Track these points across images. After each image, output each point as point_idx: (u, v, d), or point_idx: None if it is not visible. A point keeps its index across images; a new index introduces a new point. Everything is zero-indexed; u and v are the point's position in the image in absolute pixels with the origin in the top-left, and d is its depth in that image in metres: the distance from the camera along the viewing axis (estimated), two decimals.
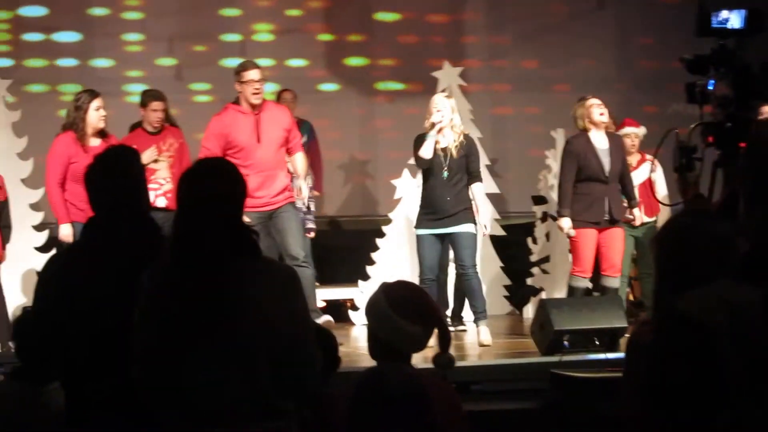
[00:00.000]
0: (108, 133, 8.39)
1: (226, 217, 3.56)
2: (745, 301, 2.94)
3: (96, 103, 8.25)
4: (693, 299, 2.97)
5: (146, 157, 8.45)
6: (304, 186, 8.60)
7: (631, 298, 10.34)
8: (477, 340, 8.51)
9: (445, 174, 8.51)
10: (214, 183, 3.60)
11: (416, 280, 8.60)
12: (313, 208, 10.37)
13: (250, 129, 8.26)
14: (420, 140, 8.54)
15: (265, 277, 3.55)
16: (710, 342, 2.88)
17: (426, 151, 8.45)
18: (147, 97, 9.16)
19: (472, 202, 8.64)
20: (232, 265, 3.51)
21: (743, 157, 4.07)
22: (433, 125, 8.46)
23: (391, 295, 3.69)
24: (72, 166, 8.15)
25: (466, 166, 8.58)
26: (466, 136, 8.68)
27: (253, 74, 8.23)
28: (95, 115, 8.21)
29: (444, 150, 8.51)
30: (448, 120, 8.50)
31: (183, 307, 3.48)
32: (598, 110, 8.70)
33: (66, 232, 8.21)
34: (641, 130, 9.84)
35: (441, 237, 8.60)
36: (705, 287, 2.99)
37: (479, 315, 8.56)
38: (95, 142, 8.22)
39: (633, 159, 9.54)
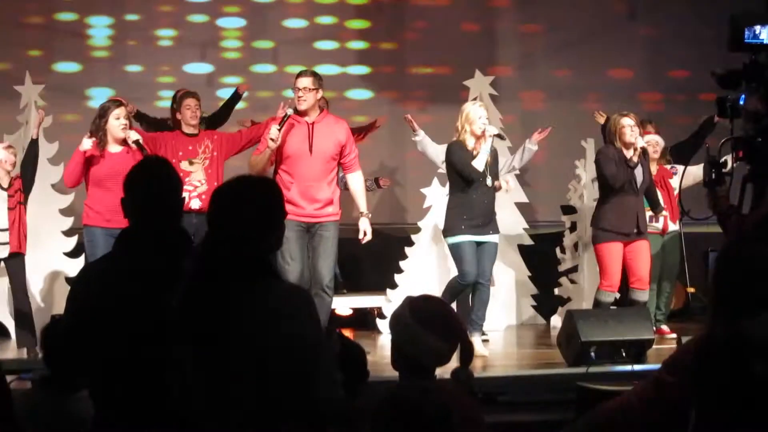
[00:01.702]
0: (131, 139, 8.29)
1: (256, 238, 3.53)
2: None
3: (117, 112, 8.28)
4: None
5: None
6: (367, 225, 8.37)
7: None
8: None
9: (489, 181, 8.55)
10: (245, 205, 3.56)
11: (442, 290, 8.62)
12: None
13: (302, 138, 8.15)
14: (458, 148, 8.54)
15: (282, 300, 3.50)
16: None
17: (480, 164, 8.52)
18: (179, 95, 9.17)
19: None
20: (253, 285, 3.49)
21: None
22: (483, 134, 8.48)
23: (416, 309, 3.67)
24: (91, 169, 8.23)
25: (495, 169, 8.72)
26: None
27: (299, 82, 8.19)
28: (115, 124, 8.25)
29: None
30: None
31: (206, 321, 3.49)
32: (630, 132, 8.68)
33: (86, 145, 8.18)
34: (660, 139, 9.89)
35: (477, 244, 8.60)
36: None
37: (479, 326, 8.63)
38: (116, 149, 8.27)
39: (653, 167, 9.51)
